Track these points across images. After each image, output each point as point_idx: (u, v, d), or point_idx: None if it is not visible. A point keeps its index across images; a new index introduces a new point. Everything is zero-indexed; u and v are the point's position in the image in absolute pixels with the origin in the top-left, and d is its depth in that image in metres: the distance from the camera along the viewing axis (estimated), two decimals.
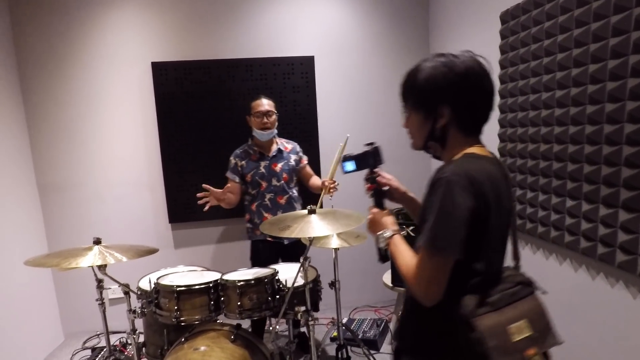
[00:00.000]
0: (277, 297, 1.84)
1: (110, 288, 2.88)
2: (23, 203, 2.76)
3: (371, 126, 3.19)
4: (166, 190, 2.97)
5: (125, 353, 2.67)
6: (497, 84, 2.27)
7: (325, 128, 3.11)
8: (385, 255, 1.12)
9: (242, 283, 1.78)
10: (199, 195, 2.40)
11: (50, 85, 2.81)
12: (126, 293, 1.93)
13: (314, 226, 1.69)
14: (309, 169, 2.66)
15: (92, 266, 1.71)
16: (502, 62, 2.21)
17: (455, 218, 0.86)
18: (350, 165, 1.25)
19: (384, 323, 2.87)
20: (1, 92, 2.60)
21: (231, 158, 2.52)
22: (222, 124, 2.93)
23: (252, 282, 1.79)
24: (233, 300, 1.79)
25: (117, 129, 2.92)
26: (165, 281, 1.87)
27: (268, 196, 2.47)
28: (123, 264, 1.77)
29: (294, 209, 2.50)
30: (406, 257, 0.98)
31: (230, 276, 1.89)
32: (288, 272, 2.02)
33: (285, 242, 2.49)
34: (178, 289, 1.78)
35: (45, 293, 2.94)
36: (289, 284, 1.83)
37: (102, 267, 1.74)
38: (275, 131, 2.50)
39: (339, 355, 2.37)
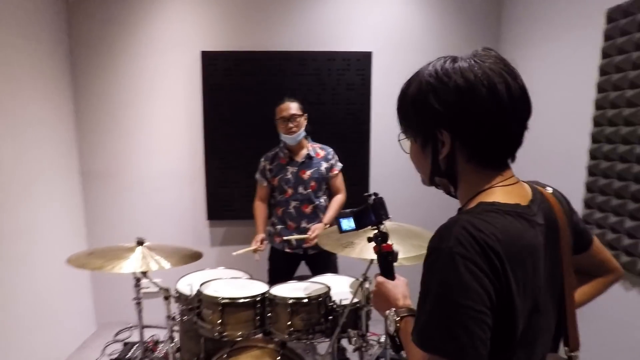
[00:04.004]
0: (330, 317, 1.66)
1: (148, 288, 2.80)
2: (66, 189, 2.70)
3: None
4: (207, 186, 2.85)
5: (156, 353, 2.57)
6: (590, 93, 1.98)
7: (378, 130, 2.89)
8: (396, 341, 0.81)
9: (293, 301, 1.60)
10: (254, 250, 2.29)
11: (99, 70, 2.73)
12: (166, 298, 1.80)
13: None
14: (337, 181, 2.40)
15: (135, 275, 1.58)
16: (603, 68, 1.92)
17: (465, 308, 0.59)
18: (347, 224, 1.00)
19: None
20: (52, 75, 2.54)
21: (261, 160, 2.41)
22: (270, 119, 2.76)
23: (305, 300, 1.61)
24: (282, 319, 1.62)
25: (162, 118, 2.81)
26: (209, 290, 1.72)
27: (293, 204, 2.31)
28: None
29: (319, 219, 2.32)
30: (416, 353, 0.67)
31: (280, 291, 1.71)
32: (330, 285, 1.81)
33: (311, 252, 2.33)
34: (223, 301, 1.62)
35: (80, 281, 2.88)
36: (338, 301, 1.65)
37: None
38: (303, 133, 2.30)
39: None
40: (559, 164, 2.21)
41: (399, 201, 2.96)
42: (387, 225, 0.99)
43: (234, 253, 2.13)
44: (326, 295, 1.66)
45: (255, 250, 2.25)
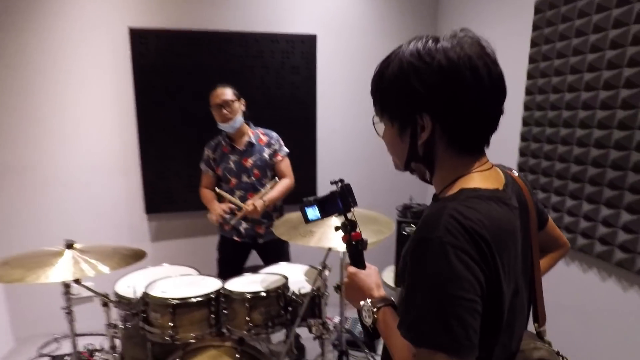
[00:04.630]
0: (290, 308, 1.61)
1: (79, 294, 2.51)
2: None
3: (372, 114, 2.97)
4: (143, 177, 2.61)
5: None
6: (523, 80, 2.12)
7: (324, 115, 2.86)
8: (373, 332, 0.79)
9: (251, 295, 1.53)
10: (213, 217, 2.19)
11: (5, 48, 2.32)
12: (105, 305, 1.63)
13: (334, 233, 1.46)
14: (283, 166, 2.28)
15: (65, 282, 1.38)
16: (533, 56, 2.06)
17: (458, 299, 0.58)
18: (312, 213, 0.95)
19: None
20: None
21: (205, 149, 2.30)
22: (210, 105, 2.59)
23: (263, 294, 1.55)
24: (240, 315, 1.54)
25: (85, 103, 2.49)
26: (156, 292, 1.58)
27: (238, 193, 2.23)
28: None
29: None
30: (402, 346, 0.65)
31: (235, 285, 1.63)
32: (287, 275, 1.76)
33: (261, 240, 2.28)
34: (174, 302, 1.50)
35: None
36: (297, 291, 1.61)
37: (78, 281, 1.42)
38: (241, 119, 2.20)
39: None
40: (492, 147, 2.36)
41: (369, 186, 2.99)
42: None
43: (232, 222, 2.12)
44: (284, 287, 1.61)
45: (234, 213, 2.14)
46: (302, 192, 2.46)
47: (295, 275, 1.86)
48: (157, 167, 2.61)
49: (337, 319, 2.57)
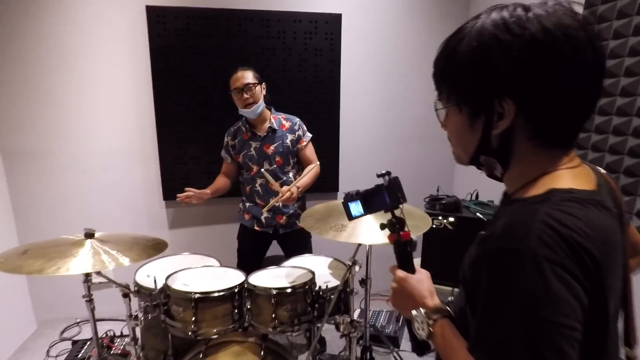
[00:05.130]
0: (316, 305, 1.53)
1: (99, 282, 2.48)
2: None
3: (399, 101, 2.83)
4: (161, 163, 2.54)
5: (114, 349, 2.33)
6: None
7: (348, 99, 2.72)
8: (424, 344, 0.74)
9: (276, 291, 1.45)
10: (178, 195, 2.06)
11: (14, 26, 2.24)
12: (125, 296, 1.57)
13: (373, 228, 1.36)
14: (308, 152, 2.19)
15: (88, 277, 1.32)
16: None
17: (556, 325, 0.48)
18: (356, 209, 0.86)
19: (401, 317, 2.66)
20: None
21: (225, 135, 2.21)
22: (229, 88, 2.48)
23: (290, 290, 1.47)
24: (265, 311, 1.46)
25: (101, 86, 2.41)
26: (177, 284, 1.51)
27: (259, 181, 2.14)
28: None
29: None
30: None
31: (259, 280, 1.55)
32: (310, 268, 1.67)
33: (282, 230, 2.20)
34: (196, 296, 1.43)
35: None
36: (324, 286, 1.53)
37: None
38: (263, 105, 2.08)
39: (364, 358, 2.13)
40: None
41: (371, 175, 2.87)
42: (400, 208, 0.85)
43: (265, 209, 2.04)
44: (311, 282, 1.53)
45: (187, 197, 2.06)
46: (323, 179, 2.38)
47: (320, 269, 1.78)
48: (175, 152, 2.54)
49: (357, 312, 2.51)
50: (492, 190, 2.49)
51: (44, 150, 2.41)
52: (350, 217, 0.87)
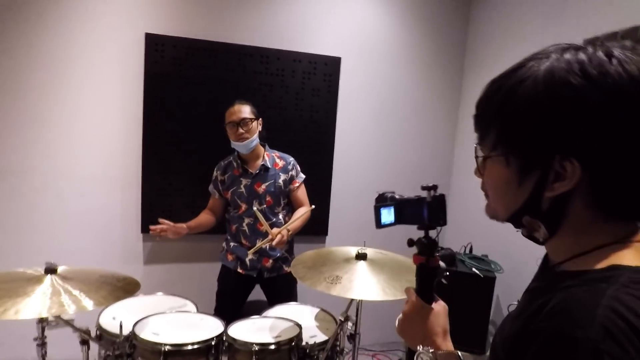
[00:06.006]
0: None
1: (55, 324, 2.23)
2: None
3: (392, 147, 2.81)
4: (143, 193, 2.39)
5: None
6: None
7: (342, 141, 2.69)
8: None
9: (258, 347, 1.29)
10: (151, 227, 1.94)
11: (3, 42, 2.15)
12: (84, 342, 1.39)
13: (368, 281, 1.25)
14: (300, 194, 2.10)
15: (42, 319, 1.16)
16: None
17: None
18: (387, 216, 0.77)
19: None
20: None
21: (215, 170, 2.11)
22: (223, 121, 2.39)
23: (273, 347, 1.31)
24: None
25: (88, 107, 2.30)
26: (145, 333, 1.34)
27: (247, 221, 2.02)
28: None
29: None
30: None
31: (240, 332, 1.39)
32: (296, 319, 1.53)
33: (267, 275, 2.06)
34: (166, 348, 1.26)
35: None
36: (311, 341, 1.38)
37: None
38: (257, 140, 2.01)
39: None
40: None
41: (362, 222, 2.78)
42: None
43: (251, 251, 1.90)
44: (298, 338, 1.38)
45: (161, 231, 1.93)
46: (313, 223, 2.28)
47: (306, 320, 1.63)
48: (159, 182, 2.40)
49: None
50: (485, 245, 2.43)
51: (16, 169, 2.24)
52: (379, 225, 0.76)
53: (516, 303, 0.72)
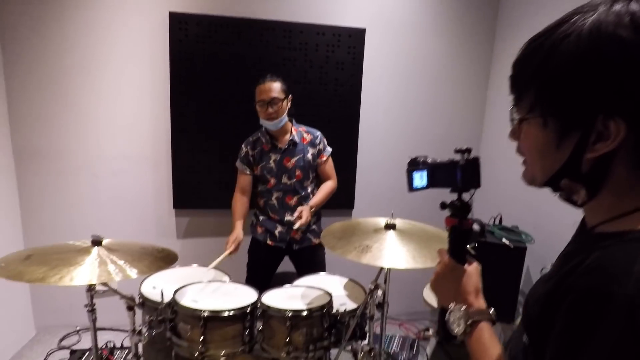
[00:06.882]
0: (333, 330, 1.43)
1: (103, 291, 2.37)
2: None
3: (420, 119, 2.76)
4: (173, 170, 2.47)
5: None
6: None
7: (367, 115, 2.66)
8: (451, 336, 0.70)
9: (292, 314, 1.35)
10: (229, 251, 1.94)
11: (36, 26, 2.22)
12: (130, 309, 1.48)
13: (397, 251, 1.27)
14: (327, 167, 2.14)
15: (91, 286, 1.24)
16: None
17: None
18: (420, 179, 0.76)
19: (416, 344, 2.52)
20: None
21: (243, 146, 2.10)
22: (248, 96, 2.41)
23: (306, 313, 1.36)
24: (279, 335, 1.36)
25: (119, 89, 2.37)
26: (186, 300, 1.42)
27: (275, 195, 2.05)
28: None
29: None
30: None
31: (273, 300, 1.45)
32: (326, 289, 1.57)
33: (296, 246, 2.10)
34: (206, 314, 1.33)
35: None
36: (341, 309, 1.43)
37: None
38: (286, 118, 2.02)
39: None
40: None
41: (386, 192, 2.79)
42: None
43: (208, 268, 1.76)
44: (329, 305, 1.43)
45: (230, 254, 1.93)
46: (339, 196, 2.30)
47: (335, 290, 1.67)
48: (188, 160, 2.47)
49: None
50: (515, 216, 2.39)
51: (56, 151, 2.37)
52: (412, 188, 0.77)
53: (549, 267, 0.73)
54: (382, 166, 2.76)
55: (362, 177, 2.72)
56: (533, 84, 0.53)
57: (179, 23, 2.31)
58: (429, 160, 0.76)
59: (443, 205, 0.75)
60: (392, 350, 2.43)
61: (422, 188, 0.76)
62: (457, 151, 0.72)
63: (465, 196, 0.74)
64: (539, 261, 2.24)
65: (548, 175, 0.56)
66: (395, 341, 2.53)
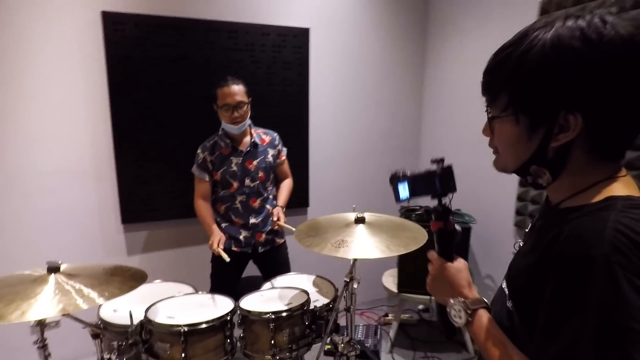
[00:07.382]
0: (314, 326, 1.47)
1: (54, 323, 2.13)
2: None
3: (367, 114, 2.88)
4: (119, 182, 2.31)
5: None
6: None
7: (316, 112, 2.72)
8: (453, 329, 0.80)
9: (273, 316, 1.36)
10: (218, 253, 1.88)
11: None
12: (96, 336, 1.38)
13: (370, 242, 1.34)
14: (285, 167, 2.21)
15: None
16: None
17: (626, 331, 0.50)
18: (403, 190, 0.85)
19: (379, 330, 2.65)
20: None
21: (199, 151, 2.04)
22: (195, 100, 2.34)
23: (286, 313, 1.39)
24: (263, 338, 1.37)
25: (51, 97, 2.14)
26: (160, 317, 1.36)
27: (239, 198, 2.04)
28: None
29: (268, 211, 2.09)
30: (512, 356, 0.63)
31: (252, 304, 1.45)
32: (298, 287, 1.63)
33: (261, 249, 2.11)
34: (185, 329, 1.29)
35: None
36: (318, 305, 1.48)
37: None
38: (249, 121, 2.02)
39: None
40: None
41: (340, 187, 2.89)
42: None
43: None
44: (308, 303, 1.46)
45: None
46: (294, 195, 2.33)
47: (307, 287, 1.72)
48: (135, 170, 2.33)
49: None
50: (458, 200, 2.62)
51: None
52: (398, 200, 0.84)
53: (520, 242, 0.84)
54: (334, 163, 2.84)
55: (314, 175, 2.77)
56: (506, 88, 0.63)
57: (113, 24, 2.15)
58: (408, 173, 0.83)
59: (428, 212, 0.83)
60: (358, 339, 2.53)
61: (407, 199, 0.84)
62: (433, 161, 0.81)
63: (445, 200, 0.81)
64: (480, 240, 2.49)
65: (519, 163, 0.66)
66: (361, 330, 2.63)
